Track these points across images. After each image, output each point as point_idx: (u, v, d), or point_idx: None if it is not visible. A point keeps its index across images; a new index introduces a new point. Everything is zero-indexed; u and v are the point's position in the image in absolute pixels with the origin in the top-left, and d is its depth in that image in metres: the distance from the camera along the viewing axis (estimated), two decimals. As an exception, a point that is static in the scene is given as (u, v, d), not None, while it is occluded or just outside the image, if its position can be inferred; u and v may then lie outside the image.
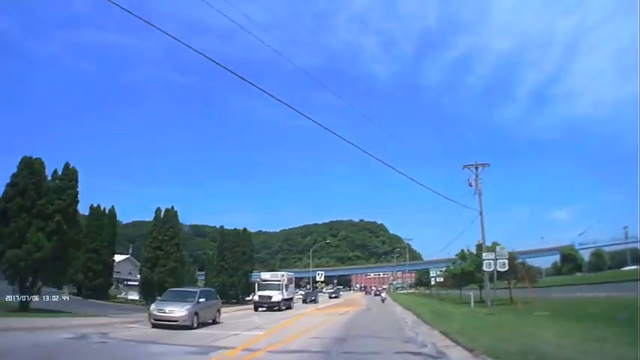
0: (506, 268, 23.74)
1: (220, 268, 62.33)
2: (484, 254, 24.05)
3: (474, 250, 48.34)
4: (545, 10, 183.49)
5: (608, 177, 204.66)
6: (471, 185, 39.59)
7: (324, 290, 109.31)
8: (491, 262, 24.00)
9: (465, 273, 46.67)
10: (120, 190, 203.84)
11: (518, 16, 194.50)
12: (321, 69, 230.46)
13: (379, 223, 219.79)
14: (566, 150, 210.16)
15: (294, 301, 46.39)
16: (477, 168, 39.99)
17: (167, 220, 45.46)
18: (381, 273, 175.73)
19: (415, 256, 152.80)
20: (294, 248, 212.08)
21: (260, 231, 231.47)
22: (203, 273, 73.29)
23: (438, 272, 42.37)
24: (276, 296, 36.94)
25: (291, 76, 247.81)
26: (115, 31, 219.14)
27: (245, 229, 64.49)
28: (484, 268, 23.87)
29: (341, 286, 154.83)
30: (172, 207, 46.45)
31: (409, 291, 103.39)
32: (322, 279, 44.57)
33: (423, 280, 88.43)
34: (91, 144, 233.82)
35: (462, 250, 48.51)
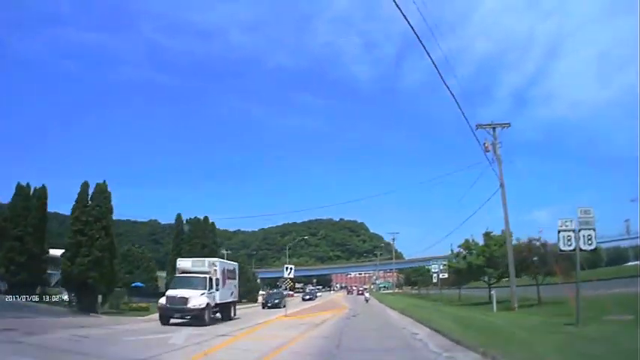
0: (594, 246, 13.26)
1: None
2: (561, 223, 13.45)
3: (479, 242, 38.15)
4: (526, 14, 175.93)
5: (587, 178, 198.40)
6: (487, 151, 29.37)
7: (308, 289, 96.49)
8: (572, 235, 13.45)
9: (473, 268, 36.35)
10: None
11: (499, 18, 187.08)
12: (302, 70, 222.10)
13: (359, 222, 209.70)
14: (545, 151, 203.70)
15: (248, 305, 34.66)
16: (494, 129, 29.78)
17: (95, 197, 33.86)
18: (362, 272, 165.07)
19: (397, 255, 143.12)
20: (272, 247, 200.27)
21: (239, 230, 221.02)
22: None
23: (442, 267, 32.02)
24: (197, 299, 21.75)
25: (271, 76, 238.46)
26: (96, 30, 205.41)
27: (206, 218, 53.11)
28: (561, 245, 13.47)
29: (320, 286, 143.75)
30: (104, 181, 34.83)
31: (395, 291, 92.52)
32: (291, 275, 31.12)
33: (411, 279, 78.14)
34: (80, 144, 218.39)
35: (467, 240, 38.17)
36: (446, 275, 32.40)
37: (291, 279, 32.16)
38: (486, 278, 38.78)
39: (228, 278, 27.04)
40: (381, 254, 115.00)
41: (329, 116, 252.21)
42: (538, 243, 29.34)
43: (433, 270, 31.90)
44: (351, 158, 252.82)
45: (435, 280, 32.77)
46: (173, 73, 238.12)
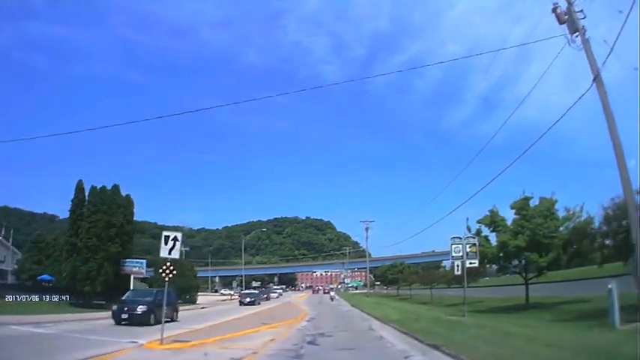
0: None
1: (71, 247, 34.40)
2: None
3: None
4: (496, 18, 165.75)
5: (555, 180, 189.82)
6: (562, 21, 14.77)
7: (273, 288, 76.24)
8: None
9: (507, 252, 21.64)
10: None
11: (470, 21, 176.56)
12: (270, 69, 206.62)
13: (326, 220, 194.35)
14: (514, 153, 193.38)
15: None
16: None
17: None
18: (329, 271, 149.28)
19: (363, 254, 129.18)
20: (236, 245, 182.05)
21: (202, 228, 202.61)
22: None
23: (469, 249, 17.41)
24: None
25: (240, 75, 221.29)
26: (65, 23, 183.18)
27: (116, 186, 36.37)
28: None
29: (284, 286, 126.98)
30: None
31: (368, 291, 76.21)
32: (176, 254, 11.87)
33: (388, 277, 62.89)
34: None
35: (492, 212, 23.36)
36: (476, 262, 17.82)
37: (165, 264, 12.43)
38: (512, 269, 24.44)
39: None
40: (350, 250, 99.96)
41: (294, 115, 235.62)
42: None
43: (455, 254, 17.21)
44: (317, 158, 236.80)
45: (457, 272, 18.03)
46: (141, 70, 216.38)
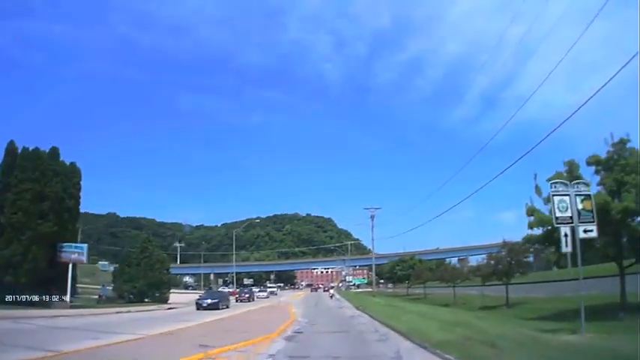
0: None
1: (-7, 227, 26.23)
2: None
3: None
4: (497, 15, 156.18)
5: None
6: None
7: (267, 286, 66.08)
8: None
9: (609, 218, 13.22)
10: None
11: (470, 19, 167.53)
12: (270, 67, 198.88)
13: (327, 217, 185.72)
14: (515, 152, 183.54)
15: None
16: None
17: None
18: (329, 268, 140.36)
19: (364, 252, 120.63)
20: (235, 242, 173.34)
21: (202, 225, 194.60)
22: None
23: (580, 207, 9.13)
24: None
25: (239, 73, 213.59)
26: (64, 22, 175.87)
27: (54, 149, 27.99)
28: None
29: (281, 284, 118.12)
30: None
31: (374, 290, 65.44)
32: None
33: (397, 273, 53.43)
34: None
35: (570, 165, 15.10)
36: (594, 231, 9.43)
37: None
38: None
39: None
40: (351, 244, 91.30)
41: (295, 113, 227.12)
42: None
43: (560, 214, 8.97)
44: (318, 155, 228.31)
45: (566, 248, 9.60)
46: (141, 68, 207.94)
